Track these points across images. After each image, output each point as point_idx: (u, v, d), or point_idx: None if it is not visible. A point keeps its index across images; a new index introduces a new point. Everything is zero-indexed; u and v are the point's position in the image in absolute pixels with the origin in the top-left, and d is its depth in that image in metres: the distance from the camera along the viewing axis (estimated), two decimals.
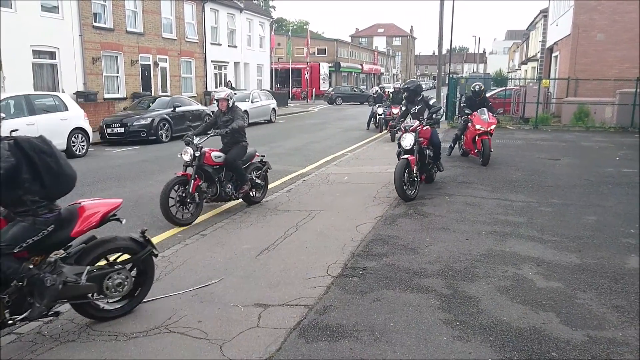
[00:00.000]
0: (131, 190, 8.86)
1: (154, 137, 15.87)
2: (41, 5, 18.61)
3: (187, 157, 6.91)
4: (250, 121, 21.78)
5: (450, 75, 26.31)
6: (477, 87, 11.57)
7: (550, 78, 25.41)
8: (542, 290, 4.33)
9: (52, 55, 19.35)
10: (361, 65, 67.04)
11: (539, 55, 34.04)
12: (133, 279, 3.95)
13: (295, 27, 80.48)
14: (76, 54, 20.19)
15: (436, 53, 26.97)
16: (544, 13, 32.37)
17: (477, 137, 10.71)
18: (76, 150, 13.18)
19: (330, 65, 55.15)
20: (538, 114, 19.40)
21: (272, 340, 3.51)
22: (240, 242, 5.72)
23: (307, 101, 43.18)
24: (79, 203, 3.76)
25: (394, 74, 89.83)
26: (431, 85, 72.48)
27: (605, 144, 14.46)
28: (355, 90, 46.02)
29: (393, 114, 15.63)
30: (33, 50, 18.42)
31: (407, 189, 7.46)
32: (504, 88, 25.53)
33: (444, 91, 23.66)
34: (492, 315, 3.86)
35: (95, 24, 21.12)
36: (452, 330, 3.63)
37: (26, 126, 11.79)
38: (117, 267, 3.85)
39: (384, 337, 3.54)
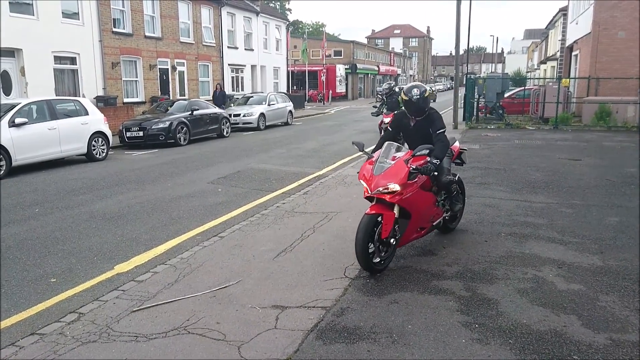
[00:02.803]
0: (150, 193, 8.96)
1: (172, 141, 16.04)
2: (62, 12, 18.95)
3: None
4: (267, 123, 21.97)
5: (468, 75, 26.09)
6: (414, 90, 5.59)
7: (570, 77, 25.03)
8: (563, 293, 4.26)
9: (72, 60, 19.69)
10: (378, 66, 66.85)
11: (558, 54, 33.56)
12: None
13: (311, 29, 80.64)
14: (96, 59, 20.51)
15: (453, 53, 26.75)
16: (564, 11, 31.91)
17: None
18: (96, 154, 13.38)
19: (347, 67, 55.10)
20: (558, 114, 19.13)
21: (289, 342, 3.52)
22: (258, 244, 5.75)
23: (324, 103, 43.22)
24: None
25: (410, 75, 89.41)
26: (448, 86, 72.03)
27: (628, 144, 14.19)
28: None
29: (384, 124, 12.76)
30: (54, 56, 18.77)
31: None
32: (523, 88, 25.25)
33: (462, 92, 23.48)
34: (511, 318, 3.81)
35: (114, 29, 21.44)
36: (471, 333, 3.59)
37: (48, 130, 12.02)
38: None
39: (401, 339, 3.52)
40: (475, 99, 21.48)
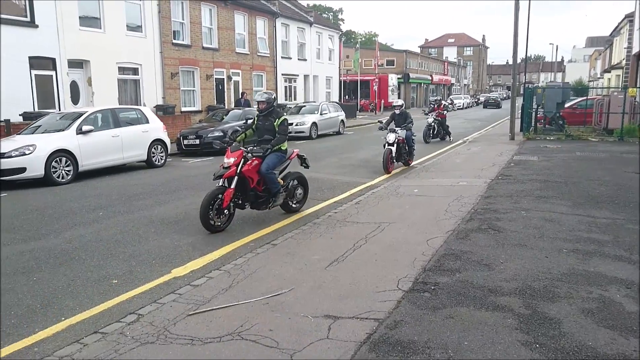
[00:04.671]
0: None
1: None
2: (127, 25, 19.92)
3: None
4: (319, 133, 22.10)
5: (526, 85, 25.28)
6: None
7: (638, 87, 23.74)
8: (632, 315, 4.01)
9: (135, 71, 20.63)
10: (431, 76, 66.05)
11: (624, 62, 31.94)
12: None
13: (364, 39, 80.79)
14: (157, 69, 21.39)
15: (510, 62, 25.99)
16: (630, 18, 30.40)
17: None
18: (156, 161, 13.89)
19: (399, 76, 54.78)
20: (623, 125, 18.17)
21: (342, 353, 3.49)
22: (310, 253, 5.76)
23: (376, 113, 43.06)
24: None
25: (465, 85, 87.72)
26: (505, 95, 70.09)
27: None
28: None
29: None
30: (118, 67, 19.74)
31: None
32: (585, 97, 24.19)
33: (519, 101, 22.78)
34: (575, 339, 3.62)
35: (174, 41, 22.30)
36: (532, 353, 3.44)
37: (112, 138, 12.61)
38: None
39: (457, 355, 3.42)
40: (534, 109, 20.77)
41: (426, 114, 20.27)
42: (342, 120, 24.76)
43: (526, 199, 8.37)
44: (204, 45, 24.13)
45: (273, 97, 7.60)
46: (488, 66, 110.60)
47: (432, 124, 19.29)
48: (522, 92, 24.71)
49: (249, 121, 17.80)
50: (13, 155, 10.82)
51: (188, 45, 23.10)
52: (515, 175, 10.66)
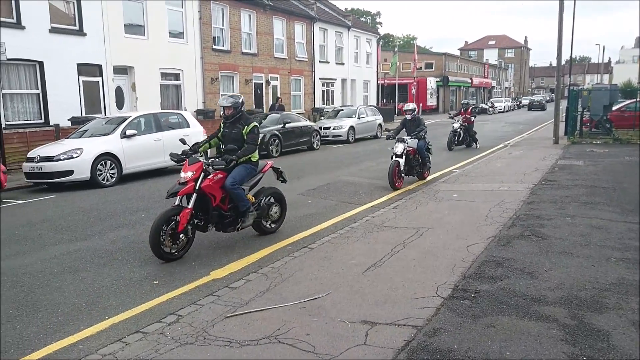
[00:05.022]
0: None
1: (265, 152, 16.57)
2: (169, 32, 20.45)
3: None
4: (356, 136, 22.05)
5: (571, 87, 24.48)
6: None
7: None
8: None
9: (177, 76, 21.15)
10: (470, 78, 64.91)
11: None
12: None
13: (402, 42, 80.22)
14: (197, 75, 21.86)
15: (554, 64, 25.25)
16: None
17: None
18: None
19: (438, 79, 54.07)
20: None
21: None
22: (347, 257, 5.73)
23: None
24: None
25: (506, 87, 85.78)
26: (548, 98, 68.16)
27: None
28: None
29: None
30: (161, 73, 20.28)
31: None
32: (636, 100, 23.21)
33: (563, 104, 22.09)
34: (626, 353, 3.45)
35: (214, 46, 22.74)
36: None
37: (154, 142, 12.94)
38: None
39: None
40: (579, 112, 20.08)
41: (451, 118, 18.99)
42: (380, 124, 24.62)
43: (571, 205, 8.08)
44: (243, 50, 24.51)
45: (240, 101, 6.59)
46: (530, 68, 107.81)
47: (458, 129, 18.00)
48: (566, 94, 23.92)
49: (287, 125, 18.12)
50: (62, 158, 11.26)
51: (228, 51, 23.51)
52: (560, 181, 10.32)
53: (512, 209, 7.81)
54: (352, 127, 21.80)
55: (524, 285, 4.72)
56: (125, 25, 18.55)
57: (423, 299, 4.47)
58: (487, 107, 53.08)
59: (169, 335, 3.95)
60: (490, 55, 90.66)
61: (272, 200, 7.10)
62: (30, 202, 10.25)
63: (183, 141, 6.89)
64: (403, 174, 10.47)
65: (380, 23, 78.63)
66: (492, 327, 3.87)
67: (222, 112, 6.61)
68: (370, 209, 8.60)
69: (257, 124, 6.63)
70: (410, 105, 11.37)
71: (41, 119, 15.96)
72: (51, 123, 15.67)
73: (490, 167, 12.75)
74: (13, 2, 15.04)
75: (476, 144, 18.44)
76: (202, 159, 6.28)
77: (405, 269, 5.28)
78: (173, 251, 5.90)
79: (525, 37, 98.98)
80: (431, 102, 50.29)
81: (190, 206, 5.90)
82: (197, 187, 5.96)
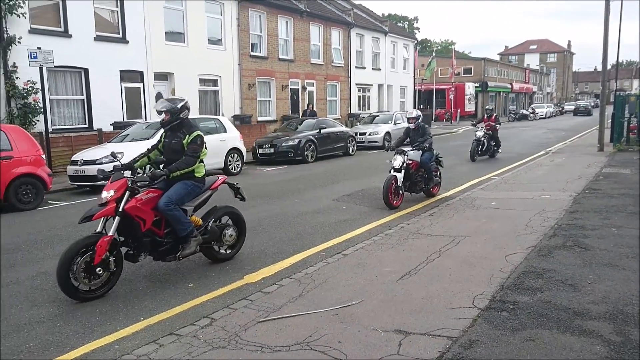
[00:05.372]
0: (278, 208, 9.35)
1: (300, 158, 16.65)
2: (208, 39, 20.86)
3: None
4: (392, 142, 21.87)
5: (617, 92, 23.57)
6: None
7: None
8: None
9: (215, 82, 21.53)
10: (510, 84, 63.49)
11: None
12: None
13: (440, 47, 79.31)
14: (235, 81, 22.19)
15: (599, 69, 24.37)
16: None
17: None
18: (232, 169, 14.34)
19: (477, 85, 53.14)
20: None
21: None
22: (381, 265, 5.66)
23: (451, 122, 42.01)
24: None
25: (547, 93, 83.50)
26: (593, 104, 65.94)
27: None
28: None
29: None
30: (200, 79, 20.68)
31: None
32: None
33: (609, 110, 21.28)
34: None
35: (252, 53, 23.05)
36: None
37: None
38: None
39: None
40: (626, 119, 19.30)
41: (474, 126, 17.65)
42: None
43: (617, 215, 7.74)
44: (280, 56, 24.74)
45: (179, 105, 5.56)
46: (574, 73, 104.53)
47: (482, 138, 16.39)
48: (612, 100, 23.05)
49: (323, 130, 18.15)
50: (104, 162, 11.59)
51: (265, 57, 23.77)
52: (605, 189, 9.92)
53: (554, 218, 7.55)
54: (387, 133, 21.65)
55: (566, 297, 4.53)
56: (166, 32, 19.02)
57: (459, 309, 4.35)
58: (528, 113, 51.77)
59: (202, 339, 3.98)
60: (532, 60, 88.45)
61: (226, 221, 6.17)
62: (74, 204, 10.59)
63: (114, 155, 5.96)
64: (402, 191, 9.17)
65: (417, 28, 77.88)
66: (531, 341, 3.73)
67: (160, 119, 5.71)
68: (406, 215, 8.48)
69: (202, 134, 5.63)
70: (414, 113, 10.14)
71: (85, 124, 16.52)
72: (94, 127, 16.20)
73: (530, 175, 12.39)
74: (61, 12, 15.66)
75: (497, 150, 17.27)
76: (131, 176, 5.36)
77: (440, 278, 5.17)
78: (90, 288, 4.94)
79: (569, 41, 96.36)
80: (469, 107, 49.45)
81: (111, 233, 4.98)
82: (120, 209, 5.01)
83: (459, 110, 43.95)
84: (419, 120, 9.93)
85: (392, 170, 9.12)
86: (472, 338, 3.80)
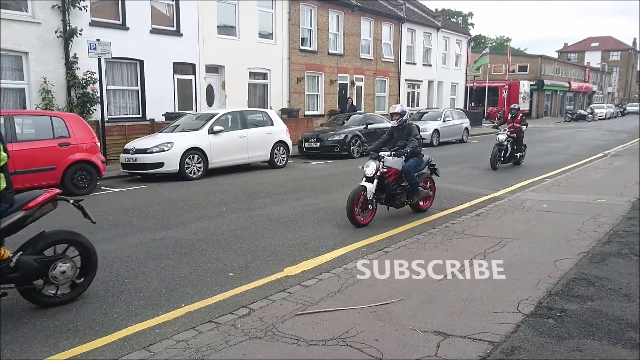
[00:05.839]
0: (321, 202, 9.34)
1: (346, 153, 16.59)
2: (259, 33, 21.08)
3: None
4: (440, 140, 21.46)
5: None
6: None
7: None
8: None
9: (264, 76, 21.75)
10: (569, 82, 60.94)
11: None
12: None
13: (494, 43, 77.04)
14: (284, 74, 22.34)
15: None
16: None
17: None
18: (277, 162, 14.47)
19: (532, 83, 51.32)
20: None
21: None
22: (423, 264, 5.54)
23: None
24: None
25: (609, 93, 79.64)
26: None
27: None
28: None
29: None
30: (250, 72, 20.95)
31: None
32: None
33: None
34: None
35: (301, 47, 23.12)
36: None
37: (239, 138, 13.38)
38: None
39: None
40: None
41: (496, 128, 15.17)
42: (467, 128, 23.77)
43: None
44: (330, 51, 24.70)
45: None
46: (638, 72, 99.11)
47: (504, 142, 13.83)
48: None
49: (370, 126, 17.99)
50: (154, 151, 11.96)
51: (314, 51, 23.80)
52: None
53: (609, 224, 7.17)
54: (436, 130, 21.23)
55: (619, 308, 4.28)
56: (218, 26, 19.36)
57: (502, 313, 4.20)
58: (586, 113, 49.55)
59: (240, 328, 4.02)
60: (593, 58, 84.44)
61: (63, 251, 4.54)
62: (125, 191, 10.99)
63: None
64: (372, 206, 7.48)
65: (472, 24, 76.03)
66: (578, 351, 3.55)
67: None
68: (451, 214, 8.27)
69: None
70: (397, 108, 8.04)
71: (139, 114, 17.08)
72: (147, 118, 16.73)
73: (585, 178, 11.83)
74: (120, 5, 16.22)
75: (521, 159, 14.75)
76: None
77: (484, 280, 5.01)
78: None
79: (634, 38, 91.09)
80: (524, 106, 47.76)
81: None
82: None
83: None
84: (403, 118, 7.98)
85: (364, 179, 7.47)
86: (514, 344, 3.65)
